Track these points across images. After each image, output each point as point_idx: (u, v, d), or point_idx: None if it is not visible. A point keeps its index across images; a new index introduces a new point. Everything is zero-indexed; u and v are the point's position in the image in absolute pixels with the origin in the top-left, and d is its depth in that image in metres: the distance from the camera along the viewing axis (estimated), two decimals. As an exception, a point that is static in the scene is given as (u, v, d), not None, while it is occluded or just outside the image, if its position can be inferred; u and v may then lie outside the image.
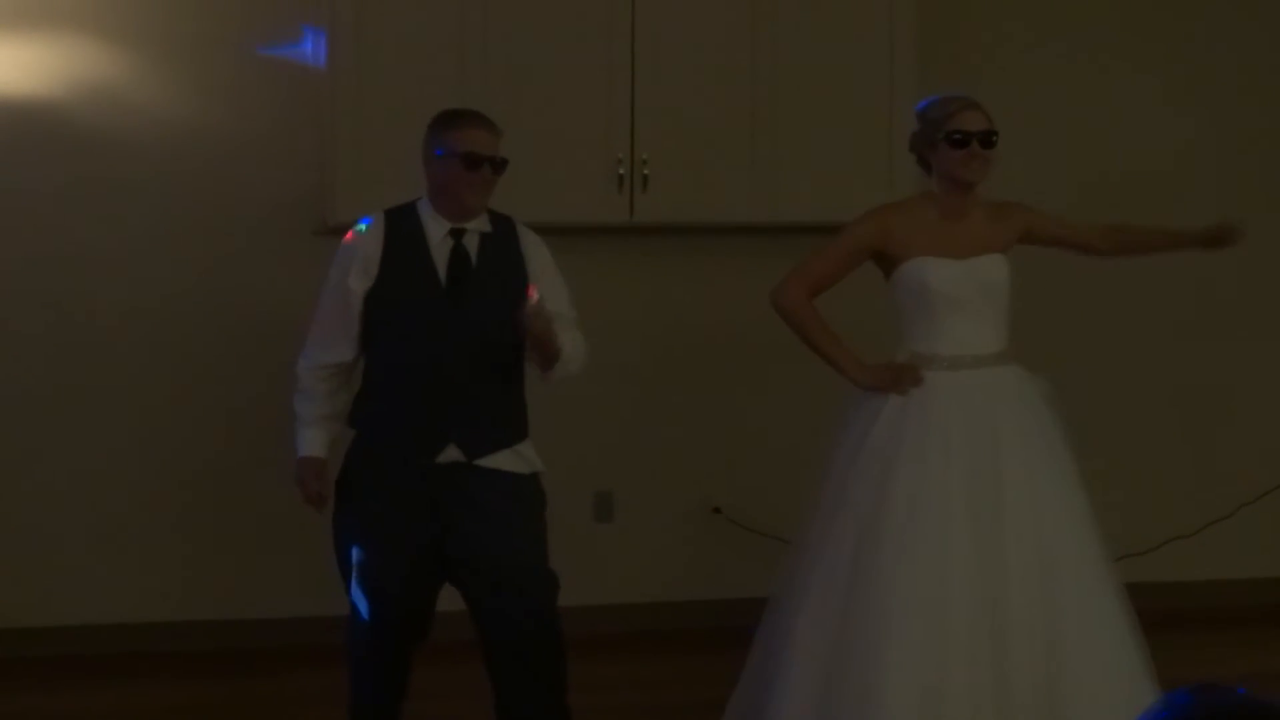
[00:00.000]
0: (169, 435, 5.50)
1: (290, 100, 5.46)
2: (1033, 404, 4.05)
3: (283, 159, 5.47)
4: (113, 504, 5.48)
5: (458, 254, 4.00)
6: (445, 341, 3.95)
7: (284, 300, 5.36)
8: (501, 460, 4.01)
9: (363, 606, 4.01)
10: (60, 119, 5.34)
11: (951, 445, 3.96)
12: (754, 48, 5.52)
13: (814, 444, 5.73)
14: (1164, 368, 6.19)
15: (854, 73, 5.58)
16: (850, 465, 4.07)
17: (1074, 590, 3.88)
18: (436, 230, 4.01)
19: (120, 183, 5.41)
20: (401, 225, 4.02)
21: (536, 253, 4.12)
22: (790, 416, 5.84)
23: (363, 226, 4.06)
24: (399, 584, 3.98)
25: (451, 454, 3.96)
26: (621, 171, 5.42)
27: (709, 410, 5.85)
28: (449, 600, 4.12)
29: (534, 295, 3.84)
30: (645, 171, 5.42)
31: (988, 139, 4.04)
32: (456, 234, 4.01)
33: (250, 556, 5.55)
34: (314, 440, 4.11)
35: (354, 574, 4.01)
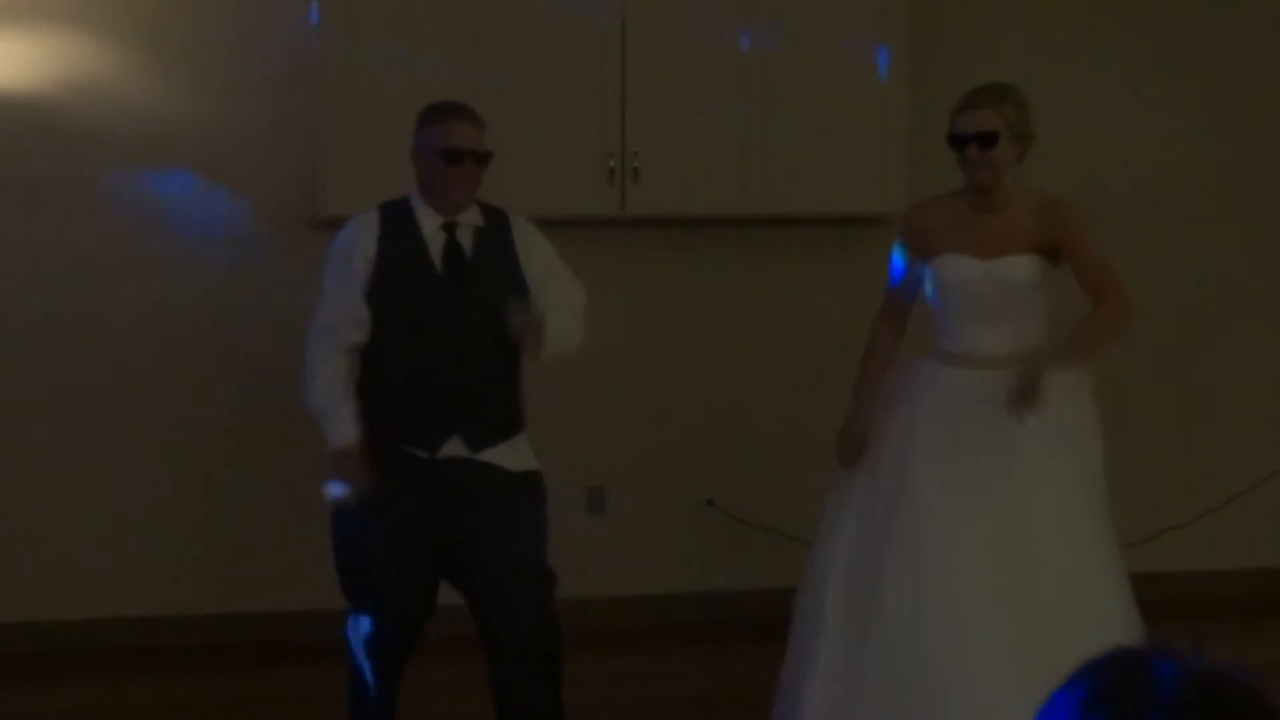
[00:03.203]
0: (164, 429, 5.48)
1: (282, 93, 5.44)
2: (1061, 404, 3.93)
3: (275, 152, 5.45)
4: (106, 499, 5.46)
5: (452, 247, 4.00)
6: (443, 335, 3.96)
7: (278, 292, 5.35)
8: (502, 455, 4.02)
9: (364, 597, 4.01)
10: (51, 115, 5.31)
11: (940, 445, 3.96)
12: (745, 39, 5.51)
13: (806, 435, 5.76)
14: (1156, 359, 6.19)
15: (845, 63, 5.57)
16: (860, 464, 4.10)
17: (1043, 594, 3.84)
18: (430, 224, 4.01)
19: (112, 177, 5.39)
20: (395, 219, 4.02)
21: (535, 241, 4.12)
22: (783, 408, 5.84)
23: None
24: (398, 573, 3.98)
25: (454, 446, 3.96)
26: (612, 164, 5.41)
27: (702, 402, 5.85)
28: (444, 595, 4.12)
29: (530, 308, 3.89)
30: (636, 164, 5.41)
31: (986, 139, 3.93)
32: (449, 227, 4.02)
33: (247, 551, 5.54)
34: (351, 421, 3.94)
35: (355, 565, 4.00)
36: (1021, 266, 3.98)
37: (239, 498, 5.51)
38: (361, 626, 4.04)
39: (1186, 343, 6.23)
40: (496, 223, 4.08)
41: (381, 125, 5.05)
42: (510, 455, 4.04)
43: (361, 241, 4.01)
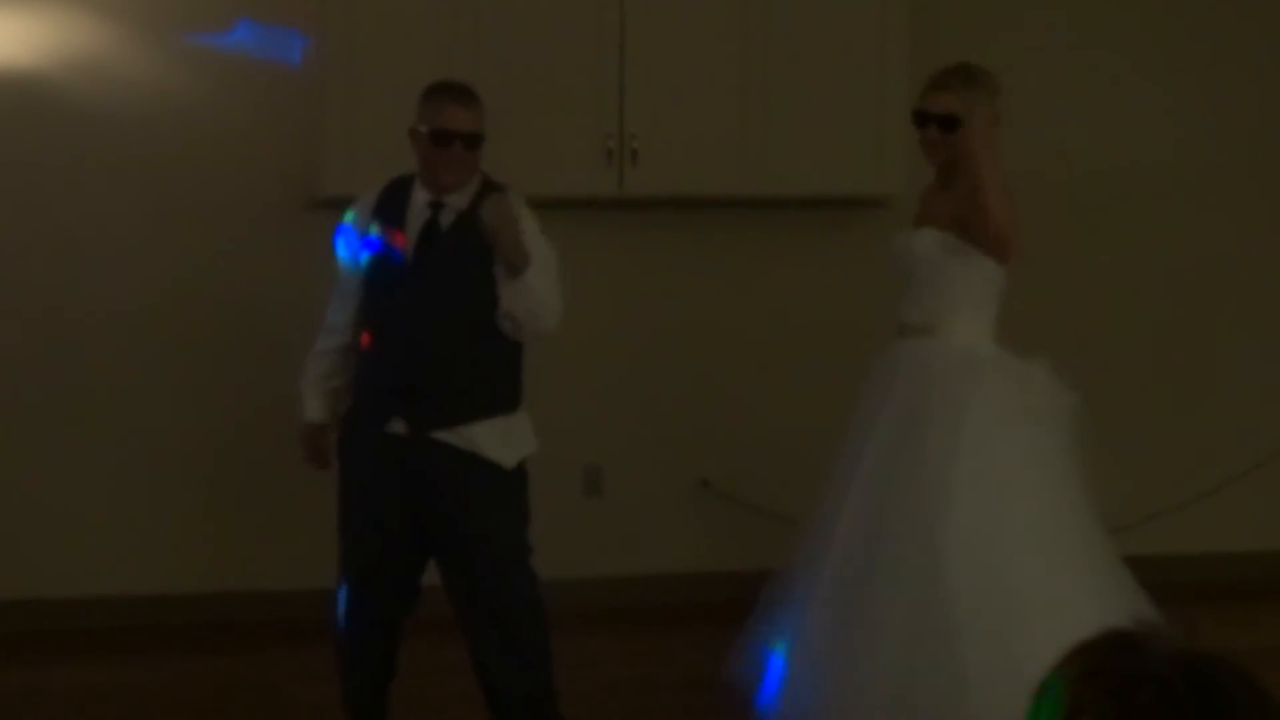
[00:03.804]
0: (161, 409, 5.48)
1: (280, 73, 5.42)
2: (938, 377, 3.97)
3: (273, 132, 5.44)
4: (104, 478, 5.45)
5: (430, 226, 3.95)
6: (401, 314, 3.93)
7: (274, 273, 5.35)
8: (462, 439, 3.93)
9: (348, 568, 4.03)
10: (47, 94, 5.29)
11: (862, 416, 4.08)
12: (743, 19, 5.50)
13: (801, 417, 5.77)
14: (1152, 343, 6.20)
15: (844, 43, 5.56)
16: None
17: (895, 565, 3.85)
18: (419, 202, 3.99)
19: (109, 158, 5.37)
20: (392, 196, 4.02)
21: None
22: (779, 389, 5.85)
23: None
24: (378, 546, 3.98)
25: (398, 426, 3.90)
26: (610, 145, 5.40)
27: (698, 383, 5.85)
28: (435, 575, 4.12)
29: (507, 196, 3.84)
30: (634, 145, 5.41)
31: (947, 122, 3.93)
32: (435, 206, 3.97)
33: (246, 530, 5.54)
34: (314, 407, 4.16)
35: (344, 536, 4.03)
36: (920, 237, 4.04)
37: (238, 477, 5.51)
38: (346, 606, 4.05)
39: (1182, 326, 6.23)
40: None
41: (380, 104, 5.04)
42: (468, 438, 3.92)
43: (357, 217, 4.06)
